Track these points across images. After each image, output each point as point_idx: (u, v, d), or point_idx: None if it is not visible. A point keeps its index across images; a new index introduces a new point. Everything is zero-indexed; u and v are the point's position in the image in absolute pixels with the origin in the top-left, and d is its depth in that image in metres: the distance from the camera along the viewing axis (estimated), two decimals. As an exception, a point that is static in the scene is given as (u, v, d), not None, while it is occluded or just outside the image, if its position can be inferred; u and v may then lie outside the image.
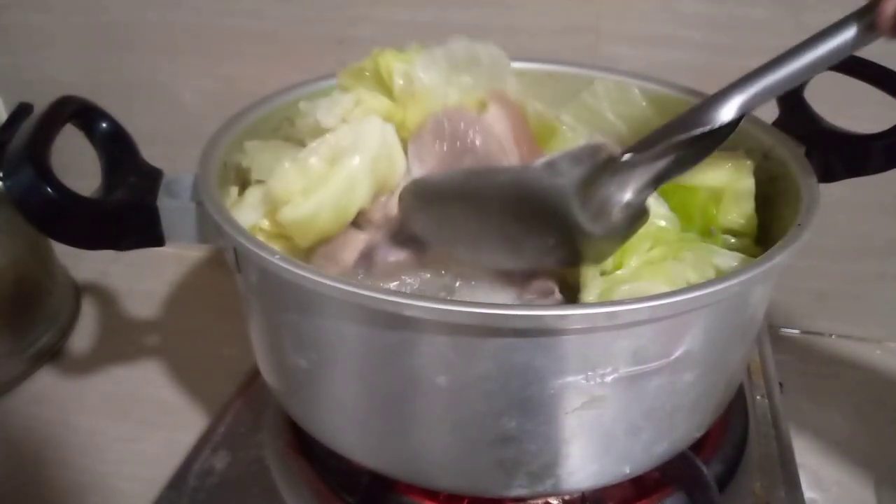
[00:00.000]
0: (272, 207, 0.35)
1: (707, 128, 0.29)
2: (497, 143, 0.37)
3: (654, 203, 0.33)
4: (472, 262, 0.34)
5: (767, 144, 0.38)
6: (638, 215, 0.32)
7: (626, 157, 0.31)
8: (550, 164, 0.30)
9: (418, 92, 0.38)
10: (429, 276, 0.34)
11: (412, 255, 0.34)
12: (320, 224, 0.34)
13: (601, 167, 0.31)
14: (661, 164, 0.31)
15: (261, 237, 0.35)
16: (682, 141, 0.30)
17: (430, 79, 0.38)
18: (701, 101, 0.31)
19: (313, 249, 0.35)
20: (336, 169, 0.34)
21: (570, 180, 0.30)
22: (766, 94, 0.29)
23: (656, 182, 0.31)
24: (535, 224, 0.31)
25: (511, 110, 0.39)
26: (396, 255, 0.34)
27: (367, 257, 0.34)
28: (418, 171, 0.37)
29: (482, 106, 0.39)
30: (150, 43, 0.60)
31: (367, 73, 0.38)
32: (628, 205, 0.31)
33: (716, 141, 0.30)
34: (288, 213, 0.33)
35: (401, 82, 0.38)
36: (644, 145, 0.31)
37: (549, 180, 0.30)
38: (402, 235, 0.35)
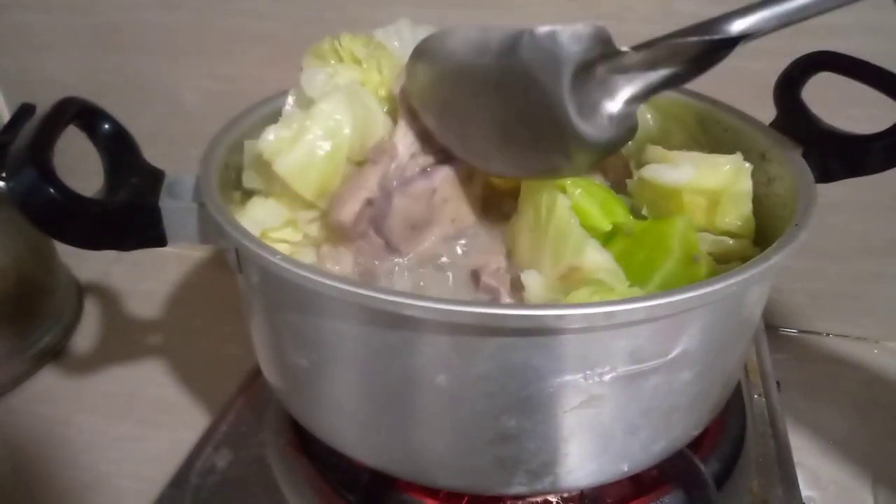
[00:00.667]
0: (267, 170, 0.35)
1: (710, 37, 0.29)
2: None
3: (598, 253, 0.32)
4: (471, 161, 0.35)
5: (765, 145, 0.38)
6: (626, 127, 0.31)
7: (626, 51, 0.31)
8: (552, 35, 0.30)
9: (385, 55, 0.38)
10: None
11: (423, 185, 0.35)
12: (318, 165, 0.34)
13: (600, 55, 0.30)
14: (655, 74, 0.30)
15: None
16: (680, 51, 0.29)
17: (392, 46, 0.39)
18: (709, 18, 0.30)
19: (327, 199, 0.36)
20: (315, 110, 0.34)
21: (568, 55, 0.29)
22: (773, 21, 0.28)
23: (647, 92, 0.31)
24: (525, 107, 0.31)
25: None
26: (411, 185, 0.35)
27: (383, 188, 0.35)
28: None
29: None
30: (152, 44, 0.60)
31: (328, 54, 0.39)
32: (617, 115, 0.31)
33: (712, 60, 0.29)
34: (284, 162, 0.34)
35: (365, 51, 0.38)
36: (643, 46, 0.31)
37: (546, 50, 0.30)
38: (415, 161, 0.36)
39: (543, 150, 0.32)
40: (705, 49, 0.29)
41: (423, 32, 0.40)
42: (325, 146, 0.35)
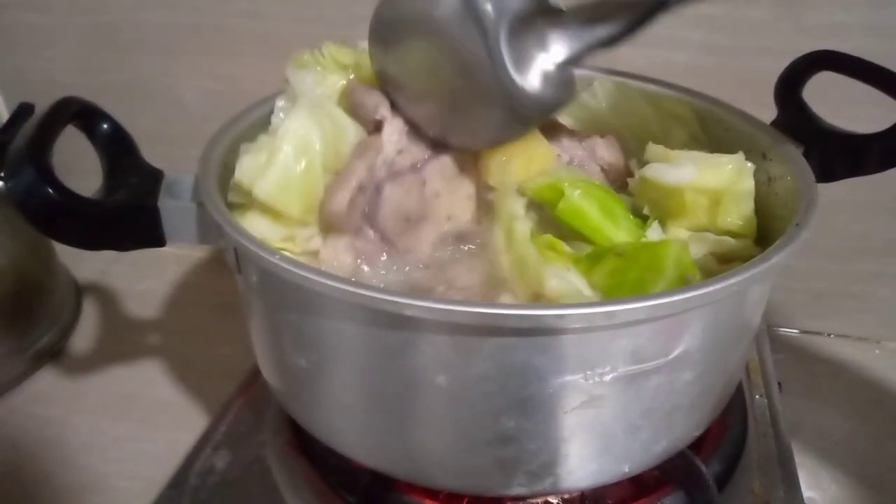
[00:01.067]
0: (248, 196, 0.34)
1: None
2: None
3: (557, 280, 0.32)
4: (435, 134, 0.36)
5: (766, 144, 0.38)
6: (563, 89, 0.33)
7: (564, 9, 0.32)
8: None
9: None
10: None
11: (412, 176, 0.36)
12: (296, 182, 0.34)
13: (538, 9, 0.32)
14: (592, 32, 0.31)
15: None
16: (618, 10, 0.30)
17: None
18: None
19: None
20: (282, 129, 0.35)
21: (506, 3, 0.31)
22: None
23: (584, 51, 0.32)
24: (467, 60, 0.32)
25: None
26: (400, 176, 0.35)
27: (373, 177, 0.35)
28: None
29: None
30: (151, 43, 0.60)
31: (309, 64, 0.39)
32: (554, 74, 0.32)
33: (648, 20, 0.30)
34: (262, 187, 0.34)
35: (350, 57, 0.39)
36: (582, 4, 0.32)
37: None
38: (403, 157, 0.36)
39: (486, 107, 0.33)
40: (642, 8, 0.30)
41: None
42: (300, 163, 0.35)
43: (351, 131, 0.37)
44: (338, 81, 0.39)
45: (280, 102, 0.39)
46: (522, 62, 0.32)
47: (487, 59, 0.31)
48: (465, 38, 0.32)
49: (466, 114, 0.35)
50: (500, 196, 0.35)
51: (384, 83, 0.37)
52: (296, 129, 0.35)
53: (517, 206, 0.34)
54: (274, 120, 0.38)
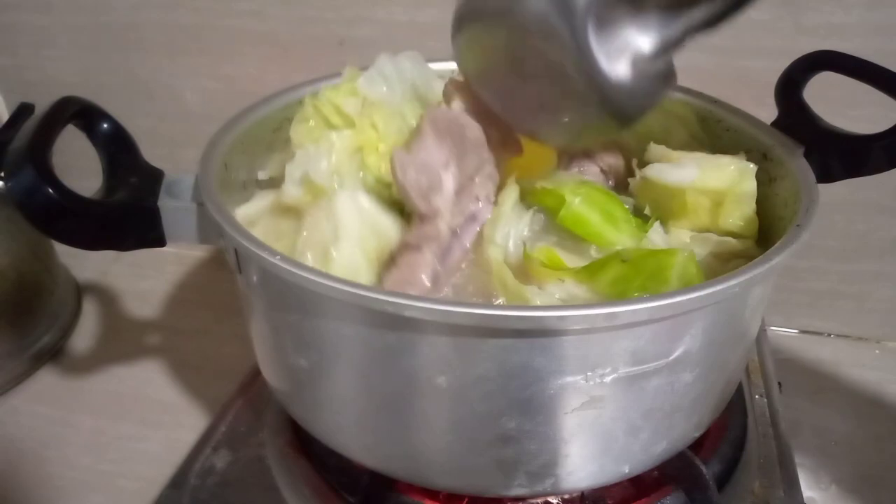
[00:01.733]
0: None
1: None
2: (478, 128, 0.36)
3: (540, 300, 0.31)
4: (512, 122, 0.34)
5: (767, 145, 0.38)
6: (664, 76, 0.30)
7: None
8: None
9: (376, 110, 0.38)
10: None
11: (459, 252, 0.34)
12: None
13: None
14: (688, 15, 0.28)
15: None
16: None
17: (378, 93, 0.39)
18: None
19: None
20: (333, 262, 0.33)
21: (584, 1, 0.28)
22: None
23: (682, 35, 0.29)
24: (552, 61, 0.29)
25: (470, 95, 0.37)
26: (450, 258, 0.34)
27: (435, 278, 0.33)
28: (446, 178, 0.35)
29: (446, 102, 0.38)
30: (151, 43, 0.60)
31: (311, 121, 0.38)
32: (652, 61, 0.29)
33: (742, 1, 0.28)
34: None
35: (351, 106, 0.38)
36: None
37: None
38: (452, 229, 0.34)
39: (576, 106, 0.31)
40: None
41: (404, 62, 0.40)
42: None
43: (390, 229, 0.35)
44: (346, 146, 0.37)
45: (294, 170, 0.36)
46: (613, 55, 0.29)
47: (575, 53, 0.28)
48: (550, 32, 0.29)
49: (555, 112, 0.32)
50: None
51: (465, 72, 0.35)
52: (349, 258, 0.33)
53: (488, 231, 0.33)
54: (286, 189, 0.36)
